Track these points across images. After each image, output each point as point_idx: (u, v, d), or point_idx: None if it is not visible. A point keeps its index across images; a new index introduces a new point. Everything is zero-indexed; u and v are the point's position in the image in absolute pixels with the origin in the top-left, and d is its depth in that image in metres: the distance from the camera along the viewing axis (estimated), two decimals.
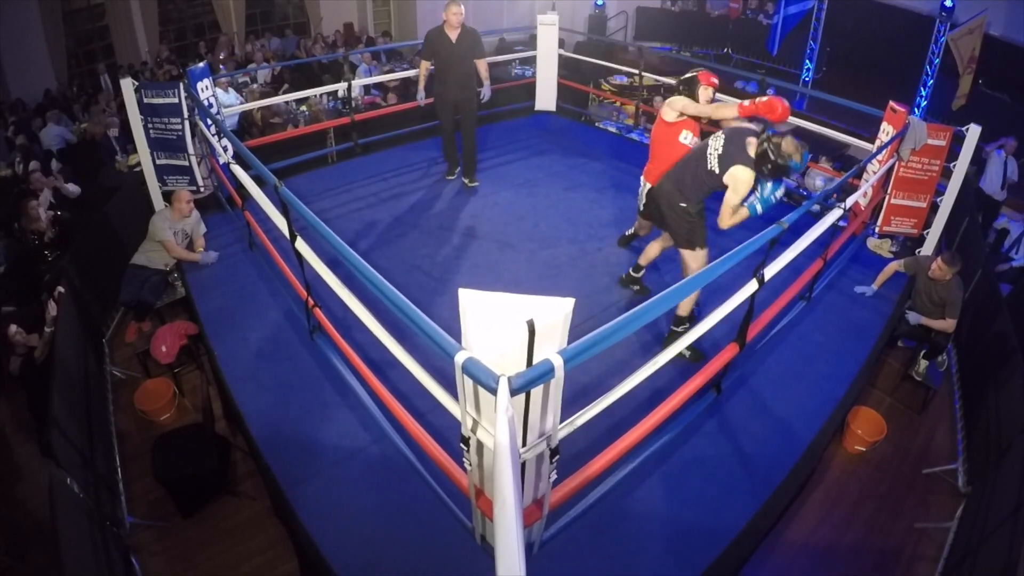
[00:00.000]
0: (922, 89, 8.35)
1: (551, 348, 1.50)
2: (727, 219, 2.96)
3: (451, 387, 1.74)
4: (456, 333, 1.57)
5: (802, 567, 2.71)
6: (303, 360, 3.26)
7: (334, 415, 2.93)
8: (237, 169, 3.59)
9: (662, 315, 2.35)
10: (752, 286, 2.47)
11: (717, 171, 2.94)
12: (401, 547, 2.35)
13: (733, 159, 2.89)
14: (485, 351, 1.50)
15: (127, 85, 4.09)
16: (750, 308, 2.62)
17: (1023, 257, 5.47)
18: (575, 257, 4.22)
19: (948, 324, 3.48)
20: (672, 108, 3.38)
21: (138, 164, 4.64)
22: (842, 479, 3.11)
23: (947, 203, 4.15)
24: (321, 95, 6.85)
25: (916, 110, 8.20)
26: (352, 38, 9.97)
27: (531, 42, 6.88)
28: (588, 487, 2.23)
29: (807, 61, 9.45)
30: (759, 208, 2.90)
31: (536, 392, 1.57)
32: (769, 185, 2.88)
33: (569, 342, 1.56)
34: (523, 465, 1.70)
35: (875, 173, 3.98)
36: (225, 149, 4.40)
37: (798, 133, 3.78)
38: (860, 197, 4.12)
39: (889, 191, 4.27)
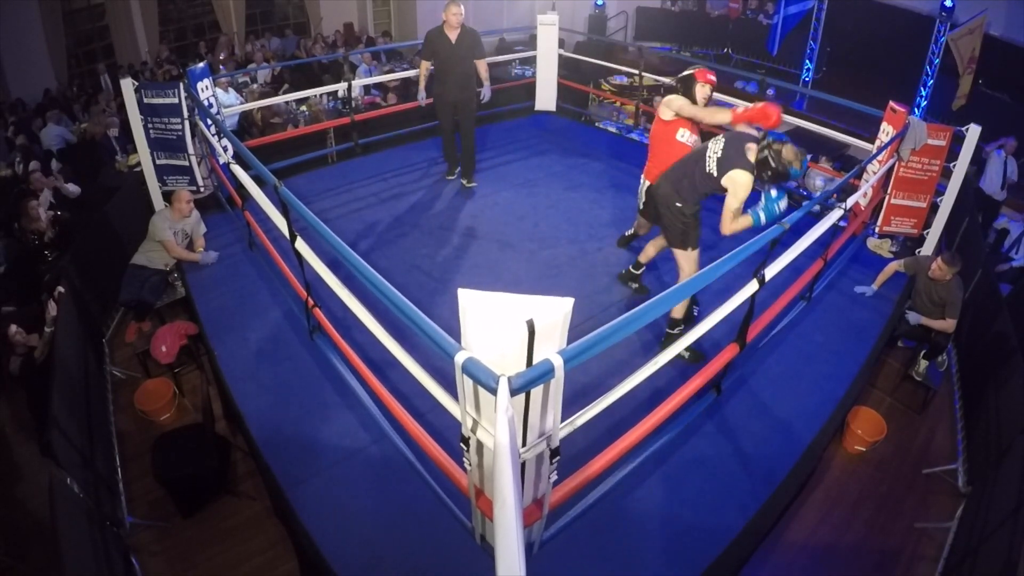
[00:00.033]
0: (922, 89, 8.35)
1: (551, 348, 1.50)
2: (728, 225, 2.96)
3: (451, 387, 1.74)
4: (456, 333, 1.57)
5: (802, 567, 2.71)
6: (303, 360, 3.26)
7: (334, 415, 2.93)
8: (237, 169, 3.59)
9: (662, 315, 2.35)
10: (752, 286, 2.47)
11: (715, 174, 2.95)
12: (401, 547, 2.35)
13: (732, 163, 2.90)
14: (485, 351, 1.50)
15: (127, 85, 4.10)
16: (750, 308, 2.62)
17: (1023, 257, 5.47)
18: (575, 257, 4.23)
19: (948, 324, 3.49)
20: (668, 107, 3.38)
21: (138, 164, 4.64)
22: (842, 479, 3.12)
23: (947, 203, 4.15)
24: (321, 95, 6.85)
25: (916, 110, 8.19)
26: (352, 38, 9.97)
27: (531, 42, 6.88)
28: (588, 487, 2.23)
29: (807, 61, 9.45)
30: (763, 218, 2.91)
31: (536, 392, 1.57)
32: (773, 193, 2.89)
33: (569, 342, 1.56)
34: (523, 465, 1.70)
35: (875, 173, 3.98)
36: (225, 149, 4.40)
37: (798, 133, 3.78)
38: (860, 197, 4.13)
39: (889, 191, 4.27)
